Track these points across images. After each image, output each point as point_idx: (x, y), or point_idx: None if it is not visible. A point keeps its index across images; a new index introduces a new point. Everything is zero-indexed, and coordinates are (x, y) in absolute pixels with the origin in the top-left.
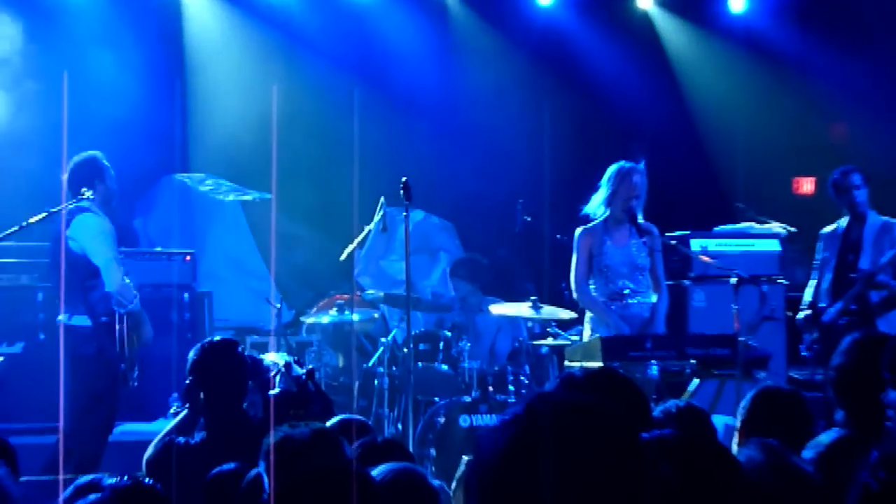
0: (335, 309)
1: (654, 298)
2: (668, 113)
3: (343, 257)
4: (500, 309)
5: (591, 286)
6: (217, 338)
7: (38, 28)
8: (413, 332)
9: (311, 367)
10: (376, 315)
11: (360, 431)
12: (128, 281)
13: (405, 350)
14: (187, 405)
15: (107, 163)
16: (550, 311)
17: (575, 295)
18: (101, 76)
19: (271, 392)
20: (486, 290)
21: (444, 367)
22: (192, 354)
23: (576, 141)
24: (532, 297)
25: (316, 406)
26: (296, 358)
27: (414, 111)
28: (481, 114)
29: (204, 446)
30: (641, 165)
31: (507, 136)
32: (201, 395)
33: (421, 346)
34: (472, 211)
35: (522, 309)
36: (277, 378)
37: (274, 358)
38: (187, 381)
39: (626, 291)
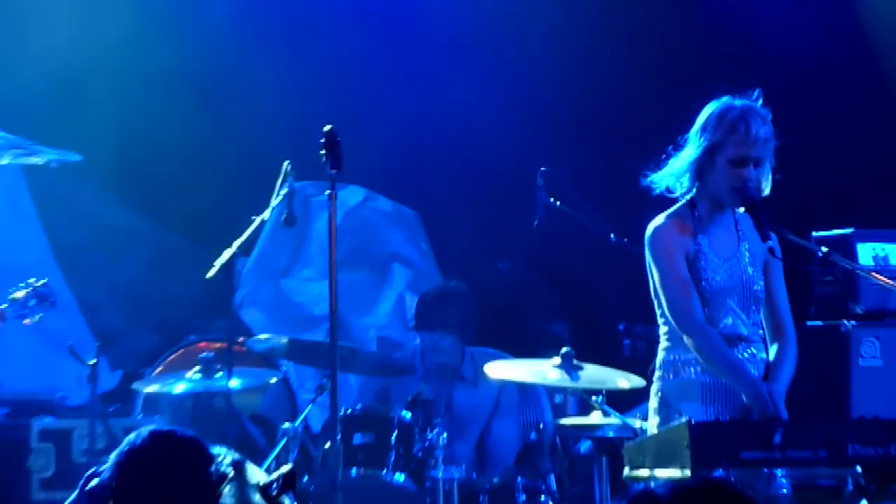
0: (197, 369)
1: (768, 352)
2: (821, 36)
3: (211, 273)
4: (501, 371)
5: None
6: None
7: None
8: (343, 413)
9: (286, 469)
10: (273, 380)
11: None
12: None
13: (327, 446)
14: None
15: None
16: (595, 375)
17: (680, 330)
18: None
19: None
20: (475, 335)
21: (400, 476)
22: (114, 456)
23: (648, 72)
24: (563, 350)
25: None
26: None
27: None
28: (477, 17)
29: None
30: (761, 106)
31: (522, 55)
32: None
33: (357, 440)
34: (452, 190)
35: (544, 371)
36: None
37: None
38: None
39: (742, 335)
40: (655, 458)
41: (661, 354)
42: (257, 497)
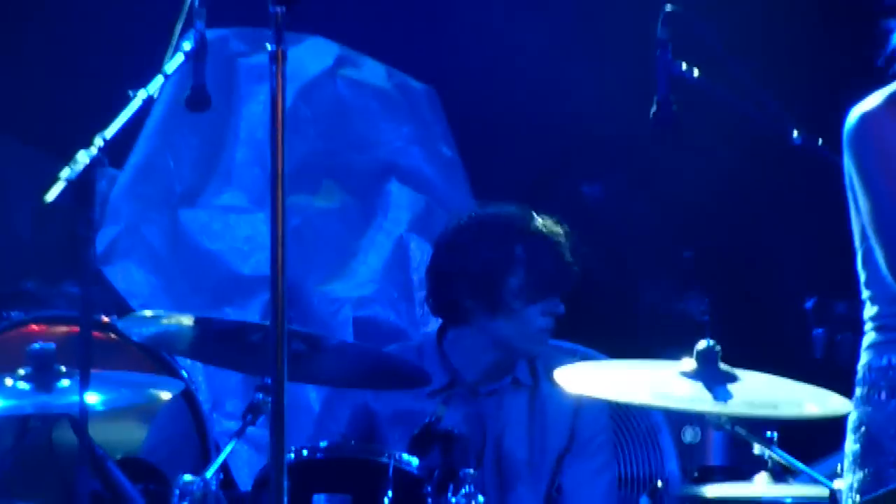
0: (23, 373)
1: None
2: None
3: (52, 195)
4: (584, 381)
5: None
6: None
7: None
8: (295, 456)
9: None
10: (164, 395)
11: None
12: None
13: None
14: None
15: None
16: (759, 393)
17: None
18: None
19: None
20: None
21: None
22: None
23: None
24: (701, 345)
25: None
26: None
27: None
28: None
29: None
30: None
31: None
32: None
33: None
34: (494, 59)
35: (665, 382)
36: None
37: None
38: None
39: None
40: None
41: (864, 356)
42: None
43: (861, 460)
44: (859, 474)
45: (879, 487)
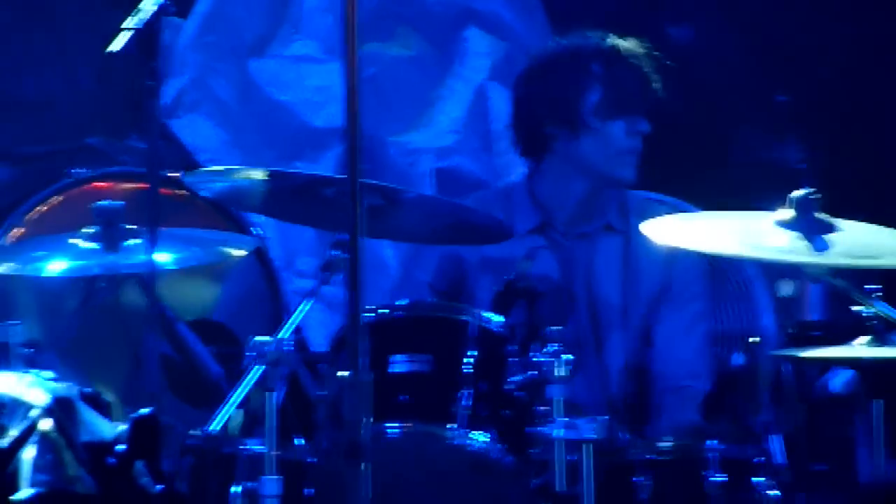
0: (89, 232)
1: None
2: None
3: (116, 46)
4: (674, 232)
5: None
6: None
7: None
8: (374, 315)
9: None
10: (237, 253)
11: None
12: None
13: (340, 377)
14: None
15: None
16: (863, 243)
17: None
18: None
19: None
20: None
21: (481, 437)
22: None
23: None
24: (799, 192)
25: None
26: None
27: None
28: None
29: None
30: None
31: None
32: None
33: (400, 366)
34: None
35: (759, 233)
36: None
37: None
38: None
39: None
40: None
41: None
42: (74, 468)
43: None
44: None
45: None
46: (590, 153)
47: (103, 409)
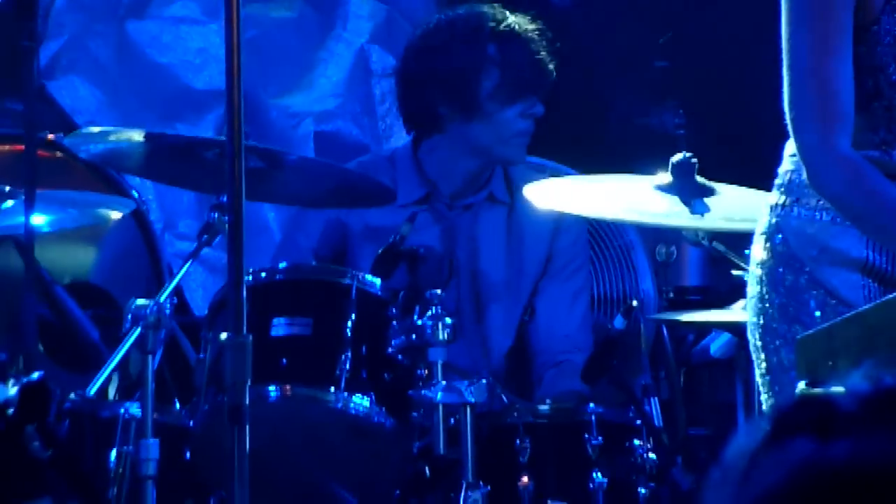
0: None
1: None
2: None
3: None
4: (557, 196)
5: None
6: None
7: None
8: (253, 278)
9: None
10: (115, 215)
11: None
12: None
13: (221, 339)
14: None
15: None
16: (739, 206)
17: (803, 154)
18: None
19: None
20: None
21: (362, 400)
22: None
23: None
24: (678, 157)
25: None
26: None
27: None
28: None
29: None
30: None
31: None
32: None
33: (280, 329)
34: None
35: (639, 197)
36: None
37: None
38: None
39: None
40: (858, 354)
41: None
42: None
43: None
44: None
45: None
46: (482, 136)
47: None
